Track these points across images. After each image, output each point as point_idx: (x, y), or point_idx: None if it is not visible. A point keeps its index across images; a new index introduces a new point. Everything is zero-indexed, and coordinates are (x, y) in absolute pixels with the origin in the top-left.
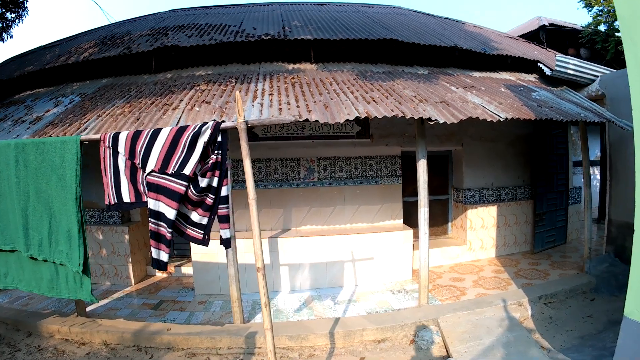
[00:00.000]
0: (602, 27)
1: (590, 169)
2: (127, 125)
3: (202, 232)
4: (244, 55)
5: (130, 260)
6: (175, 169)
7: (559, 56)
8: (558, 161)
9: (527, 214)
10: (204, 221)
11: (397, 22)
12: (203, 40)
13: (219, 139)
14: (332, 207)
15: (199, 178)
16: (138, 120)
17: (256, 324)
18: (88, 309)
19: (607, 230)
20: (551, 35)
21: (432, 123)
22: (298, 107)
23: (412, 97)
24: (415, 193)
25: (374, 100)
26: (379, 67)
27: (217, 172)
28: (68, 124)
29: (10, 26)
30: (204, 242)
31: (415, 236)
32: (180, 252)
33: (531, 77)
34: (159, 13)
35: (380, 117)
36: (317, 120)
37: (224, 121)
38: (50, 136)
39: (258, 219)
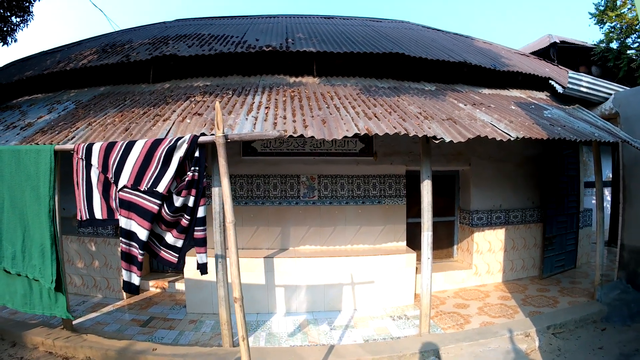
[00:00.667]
0: (614, 45)
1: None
2: (115, 136)
3: (177, 255)
4: (245, 67)
5: (122, 273)
6: (148, 186)
7: (572, 73)
8: (569, 182)
9: (536, 238)
10: (179, 244)
11: (405, 36)
12: (203, 50)
13: (197, 154)
14: (333, 227)
15: (174, 196)
16: (127, 130)
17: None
18: (75, 322)
19: (619, 255)
20: (562, 53)
21: (437, 142)
22: (294, 121)
23: (417, 114)
24: (419, 214)
25: (375, 117)
26: (384, 82)
27: (194, 191)
28: (57, 132)
29: (15, 30)
30: (178, 266)
31: (419, 259)
32: None
33: (542, 95)
34: (163, 22)
35: (381, 134)
36: (313, 137)
37: (203, 134)
38: (37, 144)
39: (236, 244)
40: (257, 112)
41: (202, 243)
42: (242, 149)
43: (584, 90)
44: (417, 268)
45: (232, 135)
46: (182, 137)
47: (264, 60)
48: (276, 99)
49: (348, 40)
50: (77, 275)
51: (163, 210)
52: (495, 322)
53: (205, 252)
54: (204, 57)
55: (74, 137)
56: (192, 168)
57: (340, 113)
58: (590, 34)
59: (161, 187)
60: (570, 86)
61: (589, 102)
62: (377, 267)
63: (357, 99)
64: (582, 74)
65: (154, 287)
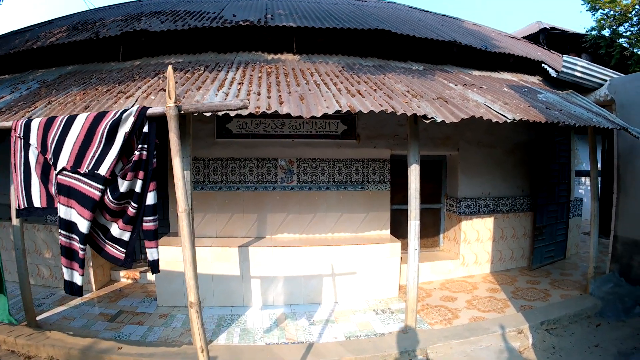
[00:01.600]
0: (606, 32)
1: (585, 179)
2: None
3: (124, 250)
4: (220, 43)
5: (91, 264)
6: (89, 168)
7: (566, 57)
8: (560, 170)
9: (525, 227)
10: (126, 237)
11: (391, 15)
12: (176, 25)
13: (145, 129)
14: (312, 215)
15: (119, 180)
16: (87, 108)
17: (218, 347)
18: (40, 317)
19: (612, 247)
20: (551, 40)
21: (428, 121)
22: (269, 97)
23: (405, 92)
24: (404, 201)
25: (359, 94)
26: (368, 60)
27: (141, 173)
28: (15, 112)
29: None
30: (126, 263)
31: (404, 248)
32: None
33: (534, 79)
34: (139, 0)
35: (365, 111)
36: (289, 114)
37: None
38: None
39: (191, 238)
40: (229, 88)
41: (152, 236)
42: (216, 130)
43: (579, 75)
44: (401, 258)
45: (186, 106)
46: (128, 109)
47: (241, 36)
48: (251, 75)
49: (331, 16)
50: (45, 266)
51: (106, 196)
52: (485, 317)
53: (157, 247)
54: (176, 33)
55: (31, 116)
56: (140, 146)
57: (321, 89)
58: (579, 23)
59: (103, 169)
60: (565, 70)
61: (582, 88)
62: (360, 257)
63: (339, 75)
64: (576, 58)
65: (125, 277)
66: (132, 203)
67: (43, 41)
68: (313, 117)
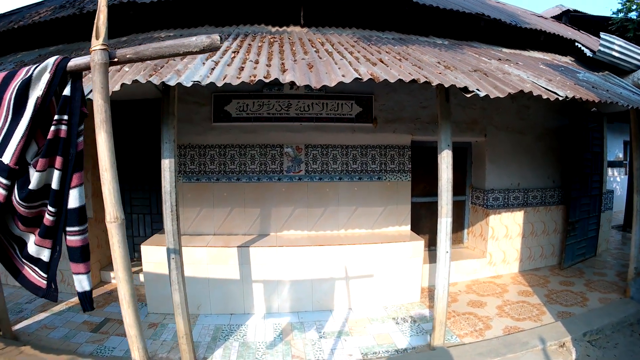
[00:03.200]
0: (633, 15)
1: (611, 170)
2: None
3: (45, 275)
4: (217, 16)
5: None
6: None
7: (604, 35)
8: (593, 160)
9: (556, 222)
10: (44, 255)
11: None
12: None
13: (67, 91)
14: (323, 209)
15: (30, 171)
16: None
17: None
18: (19, 326)
19: None
20: (574, 24)
21: (469, 95)
22: (268, 65)
23: (435, 63)
24: (425, 192)
25: (382, 62)
26: (387, 34)
27: (59, 160)
28: None
29: None
30: (49, 294)
31: (426, 246)
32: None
33: (567, 59)
34: None
35: (392, 80)
36: (293, 84)
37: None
38: None
39: (126, 265)
40: (221, 57)
41: (80, 255)
42: (212, 113)
43: (616, 55)
44: (424, 257)
45: (122, 51)
46: (42, 63)
47: (241, 6)
48: (249, 45)
49: None
50: None
51: (13, 196)
52: (521, 327)
53: (87, 273)
54: (168, 4)
55: None
56: (57, 117)
57: (334, 57)
58: (599, 7)
59: (7, 155)
60: (602, 49)
61: (618, 70)
62: (377, 257)
63: (355, 45)
64: (614, 36)
65: (115, 278)
66: (49, 206)
67: (25, 21)
68: (324, 96)
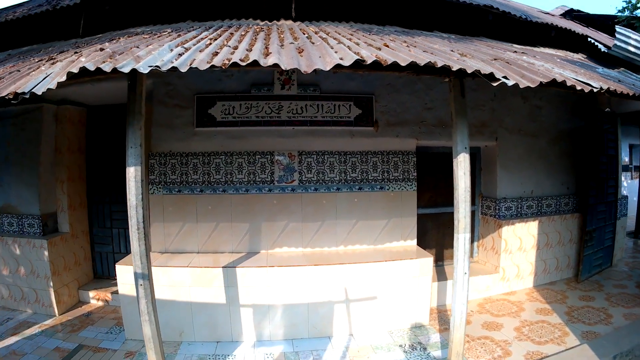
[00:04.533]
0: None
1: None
2: None
3: None
4: (201, 10)
5: (51, 284)
6: None
7: (620, 28)
8: (608, 164)
9: (572, 232)
10: None
11: None
12: None
13: None
14: (319, 223)
15: None
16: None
17: None
18: None
19: None
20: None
21: (495, 84)
22: (248, 50)
23: (449, 51)
24: (432, 203)
25: (387, 47)
26: (387, 28)
27: None
28: None
29: None
30: None
31: (434, 262)
32: None
33: (579, 56)
34: None
35: (403, 63)
36: (277, 66)
37: None
38: None
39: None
40: (195, 45)
41: None
42: (195, 117)
43: (632, 50)
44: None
45: None
46: None
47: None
48: (232, 34)
49: None
50: (4, 284)
51: None
52: (543, 352)
53: None
54: None
55: None
56: None
57: (329, 42)
58: (601, 8)
59: None
60: (619, 44)
61: (633, 67)
62: (381, 276)
63: (353, 34)
64: (630, 30)
65: (95, 298)
66: None
67: None
68: (319, 97)
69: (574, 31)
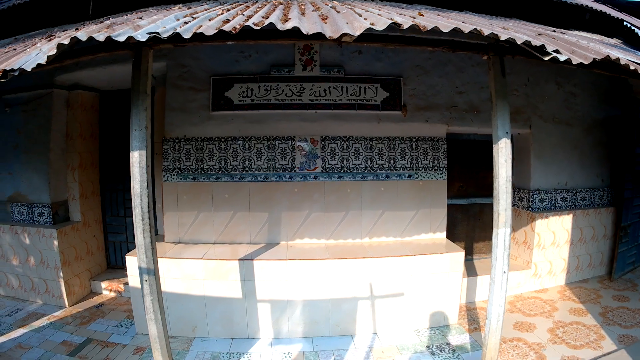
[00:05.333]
0: None
1: None
2: None
3: None
4: None
5: (61, 274)
6: None
7: None
8: None
9: (606, 226)
10: None
11: None
12: None
13: None
14: (343, 213)
15: None
16: None
17: None
18: None
19: None
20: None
21: (547, 59)
22: (264, 18)
23: (489, 24)
24: (462, 193)
25: (422, 15)
26: (416, 5)
27: None
28: None
29: None
30: None
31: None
32: None
33: (615, 40)
34: None
35: (445, 30)
36: (297, 31)
37: None
38: None
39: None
40: (205, 14)
41: None
42: (211, 100)
43: None
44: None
45: None
46: None
47: None
48: (247, 6)
49: None
50: (13, 274)
51: None
52: (580, 358)
53: None
54: None
55: None
56: None
57: (356, 11)
58: None
59: None
60: None
61: None
62: (408, 272)
63: (381, 8)
64: None
65: (107, 289)
66: None
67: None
68: (344, 78)
69: (609, 14)
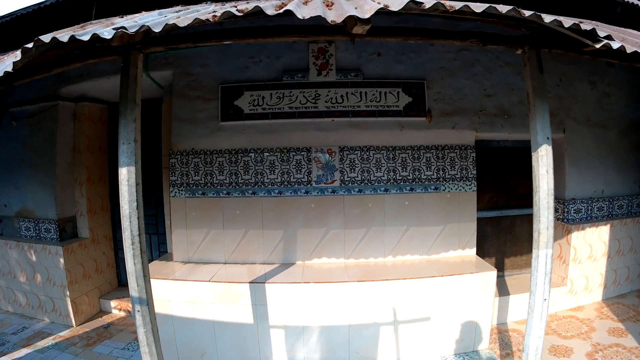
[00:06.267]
0: None
1: None
2: None
3: None
4: None
5: (67, 293)
6: None
7: None
8: None
9: None
10: None
11: None
12: None
13: None
14: (364, 229)
15: None
16: None
17: None
18: None
19: None
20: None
21: (598, 46)
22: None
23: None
24: (492, 205)
25: None
26: None
27: None
28: None
29: None
30: None
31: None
32: None
33: None
34: None
35: (477, 10)
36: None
37: None
38: None
39: None
40: (198, 6)
41: None
42: (220, 109)
43: None
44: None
45: None
46: None
47: None
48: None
49: None
50: (21, 291)
51: None
52: None
53: None
54: None
55: None
56: None
57: None
58: None
59: None
60: None
61: None
62: (435, 294)
63: None
64: None
65: (117, 308)
66: None
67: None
68: (362, 83)
69: None
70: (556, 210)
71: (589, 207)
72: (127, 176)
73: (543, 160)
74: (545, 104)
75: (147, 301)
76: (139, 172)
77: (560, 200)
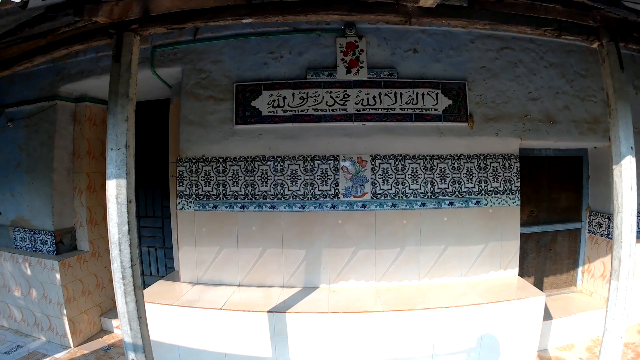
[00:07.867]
0: None
1: None
2: None
3: None
4: None
5: (64, 311)
6: None
7: None
8: None
9: None
10: None
11: None
12: None
13: None
14: (398, 249)
15: None
16: None
17: None
18: None
19: None
20: None
21: None
22: None
23: None
24: (534, 220)
25: None
26: None
27: None
28: None
29: None
30: None
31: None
32: None
33: None
34: None
35: None
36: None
37: None
38: None
39: None
40: None
41: None
42: (235, 111)
43: None
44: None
45: None
46: None
47: None
48: None
49: None
50: (16, 306)
51: None
52: None
53: None
54: None
55: None
56: None
57: None
58: None
59: None
60: None
61: None
62: (478, 322)
63: None
64: None
65: (119, 328)
66: None
67: None
68: (397, 83)
69: None
70: (599, 225)
71: (637, 222)
72: (115, 191)
73: (626, 174)
74: (628, 108)
75: (144, 348)
76: (131, 186)
77: (605, 214)
